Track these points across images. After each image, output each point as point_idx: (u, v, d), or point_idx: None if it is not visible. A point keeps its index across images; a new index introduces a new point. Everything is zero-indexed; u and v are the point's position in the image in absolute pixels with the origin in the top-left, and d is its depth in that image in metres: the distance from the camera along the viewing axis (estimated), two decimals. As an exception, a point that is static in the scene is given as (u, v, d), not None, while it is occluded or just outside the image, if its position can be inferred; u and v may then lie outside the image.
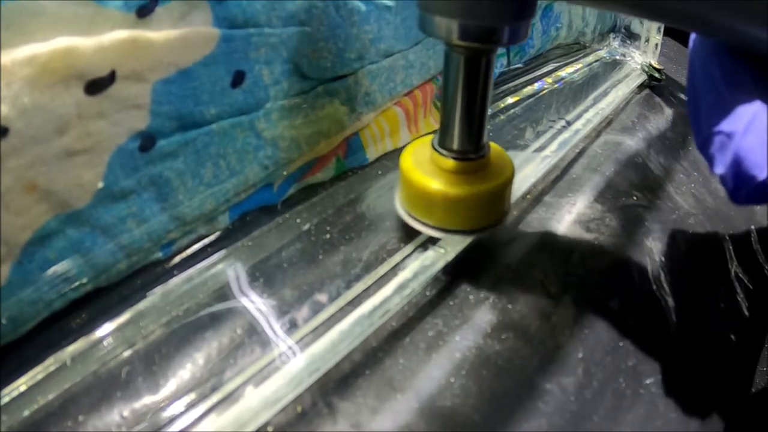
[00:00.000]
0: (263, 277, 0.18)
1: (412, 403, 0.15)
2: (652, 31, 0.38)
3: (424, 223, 0.19)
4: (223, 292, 0.17)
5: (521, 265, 0.20)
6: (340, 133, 0.22)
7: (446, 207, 0.18)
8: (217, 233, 0.19)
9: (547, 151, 0.26)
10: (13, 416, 0.13)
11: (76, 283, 0.15)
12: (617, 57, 0.40)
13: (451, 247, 0.19)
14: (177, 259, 0.18)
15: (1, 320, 0.14)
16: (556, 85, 0.34)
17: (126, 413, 0.14)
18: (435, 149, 0.18)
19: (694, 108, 0.17)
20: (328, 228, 0.20)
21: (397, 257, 0.19)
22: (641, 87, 0.37)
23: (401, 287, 0.17)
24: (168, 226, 0.17)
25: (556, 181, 0.25)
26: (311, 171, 0.21)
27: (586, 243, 0.22)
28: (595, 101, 0.32)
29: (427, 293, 0.18)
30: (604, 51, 0.40)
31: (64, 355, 0.15)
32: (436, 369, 0.16)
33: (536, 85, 0.33)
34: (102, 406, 0.14)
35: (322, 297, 0.17)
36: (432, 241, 0.19)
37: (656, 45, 0.38)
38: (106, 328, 0.16)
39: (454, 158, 0.18)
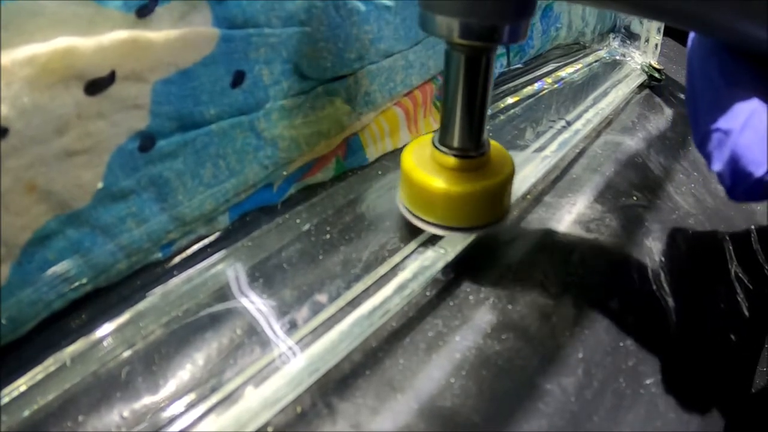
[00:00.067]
0: (263, 277, 0.18)
1: (412, 403, 0.15)
2: (652, 32, 0.38)
3: (425, 221, 0.19)
4: (223, 293, 0.17)
5: (521, 266, 0.20)
6: (339, 134, 0.22)
7: (448, 204, 0.18)
8: (217, 233, 0.19)
9: (547, 152, 0.26)
10: (12, 416, 0.13)
11: (76, 284, 0.15)
12: (617, 57, 0.40)
13: (451, 247, 0.19)
14: (177, 259, 0.18)
15: (1, 320, 0.14)
16: (556, 86, 0.34)
17: (126, 413, 0.14)
18: (436, 147, 0.18)
19: (693, 106, 0.17)
20: (328, 228, 0.20)
21: (396, 257, 0.19)
22: (641, 87, 0.37)
23: (401, 287, 0.17)
24: (168, 226, 0.17)
25: (556, 181, 0.25)
26: (311, 171, 0.21)
27: (586, 243, 0.22)
28: (595, 101, 0.32)
29: (427, 293, 0.18)
30: (604, 51, 0.40)
31: (64, 355, 0.15)
32: (436, 369, 0.16)
33: (536, 86, 0.33)
34: (102, 406, 0.14)
35: (322, 297, 0.17)
36: (432, 242, 0.19)
37: (656, 45, 0.38)
38: (105, 329, 0.16)
39: (455, 155, 0.18)
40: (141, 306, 0.16)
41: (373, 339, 0.16)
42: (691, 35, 0.18)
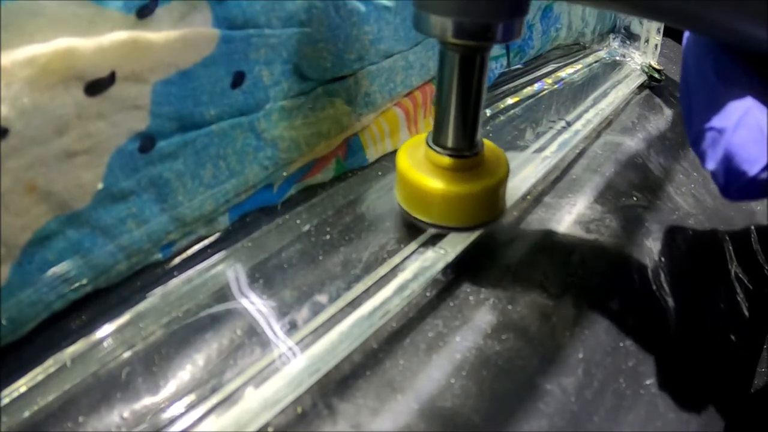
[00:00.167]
0: (263, 278, 0.18)
1: (412, 404, 0.15)
2: (651, 32, 0.38)
3: (422, 221, 0.19)
4: (223, 293, 0.17)
5: (521, 266, 0.20)
6: (340, 134, 0.22)
7: (444, 204, 0.18)
8: (217, 234, 0.19)
9: (547, 152, 0.26)
10: (12, 417, 0.13)
11: (76, 284, 0.15)
12: (617, 58, 0.40)
13: (451, 248, 0.19)
14: (177, 260, 0.18)
15: (1, 321, 0.14)
16: (555, 86, 0.34)
17: (126, 414, 0.14)
18: (430, 147, 0.18)
19: (687, 105, 0.17)
20: (328, 229, 0.20)
21: (397, 258, 0.19)
22: (641, 87, 0.37)
23: (401, 288, 0.17)
24: (168, 227, 0.17)
25: (556, 181, 0.25)
26: (311, 172, 0.21)
27: (586, 244, 0.22)
28: (595, 102, 0.32)
29: (427, 294, 0.18)
30: (604, 52, 0.40)
31: (64, 356, 0.15)
32: (437, 370, 0.16)
33: (536, 86, 0.33)
34: (102, 407, 0.14)
35: (322, 298, 0.17)
36: (432, 242, 0.19)
37: (656, 46, 0.38)
38: (105, 329, 0.16)
39: (449, 155, 0.18)
40: (141, 307, 0.16)
41: (374, 339, 0.16)
42: (686, 33, 0.18)
